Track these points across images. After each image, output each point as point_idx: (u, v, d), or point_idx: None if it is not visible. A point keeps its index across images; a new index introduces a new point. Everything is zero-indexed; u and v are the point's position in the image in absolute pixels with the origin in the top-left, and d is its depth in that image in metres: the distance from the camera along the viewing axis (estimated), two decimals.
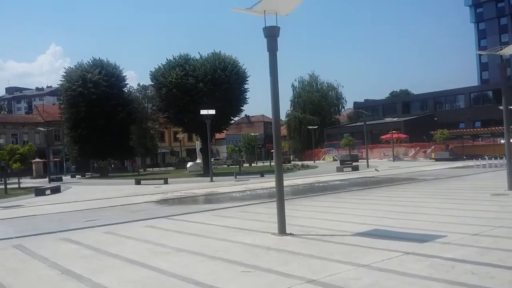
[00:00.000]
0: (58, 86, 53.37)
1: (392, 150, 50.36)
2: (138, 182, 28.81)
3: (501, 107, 15.28)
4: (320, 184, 22.11)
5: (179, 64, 38.86)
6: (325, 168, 38.15)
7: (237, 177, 29.68)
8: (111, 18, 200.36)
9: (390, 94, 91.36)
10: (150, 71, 40.69)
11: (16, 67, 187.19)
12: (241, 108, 41.80)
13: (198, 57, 40.23)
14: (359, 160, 45.96)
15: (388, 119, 55.38)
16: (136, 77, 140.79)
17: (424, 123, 59.63)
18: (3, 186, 26.02)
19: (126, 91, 54.14)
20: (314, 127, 63.97)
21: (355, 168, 32.85)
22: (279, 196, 8.54)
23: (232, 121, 48.72)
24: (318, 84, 78.78)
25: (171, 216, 12.35)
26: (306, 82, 78.75)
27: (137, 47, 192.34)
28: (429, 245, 6.89)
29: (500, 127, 47.09)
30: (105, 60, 49.33)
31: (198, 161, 43.50)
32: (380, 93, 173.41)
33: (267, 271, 5.83)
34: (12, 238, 9.91)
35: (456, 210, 10.44)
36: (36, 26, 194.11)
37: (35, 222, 12.94)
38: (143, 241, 8.61)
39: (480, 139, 52.93)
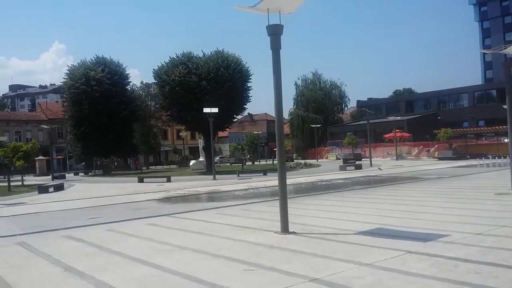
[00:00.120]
0: (62, 83, 53.42)
1: (395, 149, 50.28)
2: (141, 180, 28.84)
3: (505, 106, 15.22)
4: (323, 183, 22.09)
5: (182, 62, 38.86)
6: (328, 167, 38.11)
7: (240, 175, 29.68)
8: (115, 16, 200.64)
9: (393, 92, 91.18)
10: (153, 69, 40.76)
11: (19, 65, 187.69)
12: (244, 106, 41.78)
13: (201, 55, 40.22)
14: (362, 159, 45.91)
15: (391, 118, 55.29)
16: (139, 75, 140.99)
17: (428, 122, 59.50)
18: (6, 184, 26.10)
19: (129, 89, 54.20)
20: (317, 125, 63.92)
21: (358, 167, 32.80)
22: (282, 194, 8.53)
23: (235, 119, 48.69)
24: (321, 82, 78.72)
25: (174, 214, 12.36)
26: (309, 81, 78.70)
27: (140, 45, 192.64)
28: (432, 244, 6.87)
29: (504, 126, 46.96)
30: (108, 58, 49.40)
31: (201, 159, 43.53)
32: (384, 92, 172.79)
33: (270, 270, 5.83)
34: (15, 235, 9.94)
35: (459, 209, 10.41)
36: (40, 24, 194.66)
37: (38, 220, 12.97)
38: (146, 239, 8.62)
39: (483, 138, 52.79)
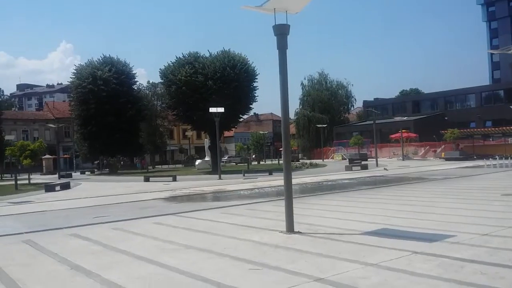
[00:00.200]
0: (69, 83, 53.78)
1: (401, 149, 50.09)
2: (147, 179, 28.93)
3: None
4: (329, 183, 22.05)
5: (189, 62, 38.95)
6: (333, 167, 38.04)
7: (246, 175, 29.70)
8: (122, 16, 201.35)
9: (400, 93, 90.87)
10: (160, 69, 40.89)
11: (27, 64, 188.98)
12: (250, 106, 41.83)
13: (207, 55, 40.32)
14: (368, 159, 45.81)
15: (397, 118, 55.11)
16: (146, 74, 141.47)
17: (434, 122, 59.24)
18: (13, 182, 26.28)
19: (135, 88, 54.42)
20: (323, 125, 63.85)
21: (364, 167, 32.71)
22: (288, 194, 8.52)
23: (241, 119, 48.75)
24: (328, 82, 78.66)
25: (180, 213, 12.38)
26: (315, 81, 78.65)
27: (147, 45, 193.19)
28: (438, 244, 6.84)
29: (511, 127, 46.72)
30: (115, 58, 49.63)
31: (207, 158, 43.61)
32: (390, 92, 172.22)
33: (275, 269, 5.82)
34: (22, 233, 10.00)
35: (465, 210, 10.35)
36: (47, 24, 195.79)
37: (44, 218, 13.04)
38: (152, 237, 8.64)
39: (491, 139, 52.44)
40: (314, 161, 50.44)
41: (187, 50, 41.52)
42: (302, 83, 78.76)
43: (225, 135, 66.21)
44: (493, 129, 51.75)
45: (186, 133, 66.98)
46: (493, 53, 73.66)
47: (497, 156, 30.50)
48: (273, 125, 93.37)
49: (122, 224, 10.72)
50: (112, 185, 26.74)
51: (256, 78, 40.18)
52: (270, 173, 29.42)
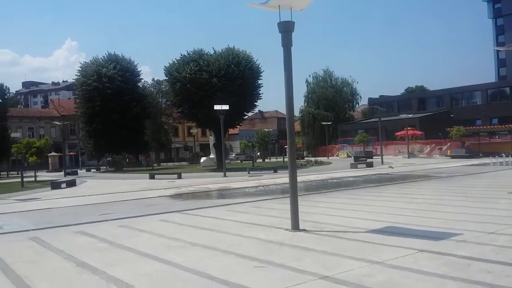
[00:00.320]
0: (74, 80, 53.95)
1: (407, 146, 49.91)
2: (152, 177, 29.01)
3: None
4: (334, 181, 22.02)
5: (193, 59, 38.97)
6: (339, 165, 37.98)
7: (250, 172, 29.71)
8: (126, 13, 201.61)
9: (405, 90, 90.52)
10: (165, 66, 40.94)
11: (32, 62, 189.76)
12: (255, 103, 41.84)
13: (212, 52, 40.32)
14: (374, 157, 45.67)
15: (403, 116, 54.86)
16: (151, 72, 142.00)
17: (440, 119, 58.95)
18: (19, 179, 26.43)
19: (140, 86, 54.47)
20: (328, 123, 63.67)
21: (369, 165, 32.63)
22: (293, 191, 8.51)
23: (246, 117, 48.73)
24: (333, 80, 78.36)
25: (185, 210, 12.41)
26: (320, 78, 78.36)
27: (151, 42, 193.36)
28: (444, 243, 6.81)
29: None
30: (120, 55, 49.66)
31: (212, 156, 43.65)
32: (395, 89, 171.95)
33: (280, 267, 5.83)
34: (28, 230, 10.06)
35: (471, 208, 10.31)
36: (52, 21, 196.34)
37: (50, 215, 13.12)
38: (157, 235, 8.67)
39: (497, 137, 52.15)
40: (319, 158, 50.37)
41: (192, 47, 41.50)
42: (307, 81, 78.62)
43: (229, 133, 66.20)
44: (499, 126, 51.43)
45: (191, 131, 67.15)
46: (499, 50, 73.08)
47: (503, 154, 30.30)
48: (277, 122, 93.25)
49: (128, 221, 10.76)
50: (117, 183, 26.83)
51: (261, 76, 40.17)
52: (275, 171, 29.41)
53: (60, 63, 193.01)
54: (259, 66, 39.80)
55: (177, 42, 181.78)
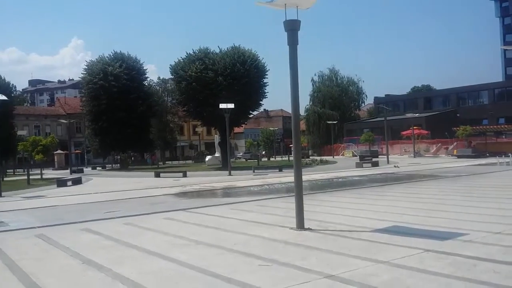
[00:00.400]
0: (80, 79, 54.16)
1: (413, 146, 49.72)
2: (157, 175, 29.07)
3: None
4: (339, 180, 21.96)
5: (199, 58, 39.01)
6: (344, 164, 37.89)
7: (255, 171, 29.71)
8: (132, 12, 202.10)
9: (411, 89, 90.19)
10: (170, 65, 41.00)
11: (39, 60, 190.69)
12: (260, 102, 41.84)
13: (217, 51, 40.33)
14: (379, 156, 45.53)
15: (409, 115, 54.64)
16: (156, 70, 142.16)
17: (446, 119, 58.69)
18: (26, 177, 26.57)
19: (146, 84, 54.64)
20: (334, 122, 63.54)
21: (375, 164, 32.53)
22: (298, 190, 8.50)
23: (251, 115, 48.74)
24: (338, 78, 78.18)
25: (190, 209, 12.42)
26: (326, 77, 78.22)
27: (157, 40, 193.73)
28: (450, 243, 6.78)
29: None
30: (126, 54, 49.82)
31: (217, 154, 43.69)
32: (401, 88, 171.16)
33: (285, 265, 5.82)
34: (34, 227, 10.11)
35: (478, 208, 10.25)
36: (58, 20, 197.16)
37: (56, 212, 13.18)
38: (162, 233, 8.69)
39: (504, 136, 51.81)
40: (324, 157, 50.28)
41: (198, 46, 41.53)
42: (312, 79, 78.49)
43: (235, 131, 66.26)
44: (506, 126, 51.10)
45: (196, 129, 67.23)
46: (507, 50, 72.63)
47: (510, 154, 30.10)
48: (283, 121, 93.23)
49: (133, 219, 10.79)
50: (123, 181, 26.92)
51: (266, 74, 40.20)
52: (280, 170, 29.39)
53: (66, 61, 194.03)
54: (265, 65, 39.83)
55: (183, 41, 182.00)
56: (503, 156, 30.23)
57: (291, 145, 10.97)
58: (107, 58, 48.62)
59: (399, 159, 41.41)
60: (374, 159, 36.70)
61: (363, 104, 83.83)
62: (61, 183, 23.61)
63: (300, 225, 8.29)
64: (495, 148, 43.75)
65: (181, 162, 62.89)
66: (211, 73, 37.42)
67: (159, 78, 68.04)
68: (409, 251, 6.26)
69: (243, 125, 51.21)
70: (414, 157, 46.70)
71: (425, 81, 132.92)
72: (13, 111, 50.09)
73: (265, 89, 40.61)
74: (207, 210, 11.90)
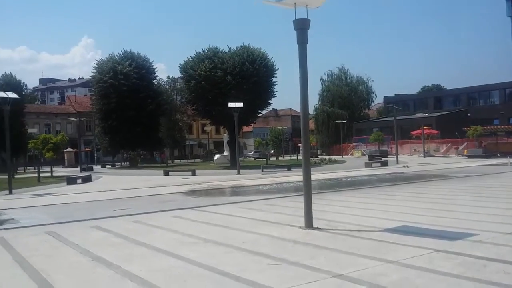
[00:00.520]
0: (90, 77, 54.53)
1: (423, 146, 49.42)
2: (166, 173, 29.20)
3: None
4: (348, 179, 21.90)
5: (208, 57, 39.09)
6: (353, 163, 37.76)
7: (264, 170, 29.71)
8: (142, 11, 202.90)
9: (421, 89, 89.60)
10: (180, 64, 41.18)
11: (49, 59, 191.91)
12: (269, 101, 41.83)
13: (227, 50, 40.40)
14: (389, 156, 45.29)
15: (419, 115, 54.31)
16: (166, 69, 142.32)
17: (457, 119, 58.26)
18: (36, 174, 26.82)
19: (155, 83, 54.88)
20: (343, 121, 63.35)
21: (384, 164, 32.38)
22: (306, 189, 8.48)
23: (260, 114, 48.74)
24: (348, 78, 77.98)
25: (199, 207, 12.46)
26: (335, 76, 78.05)
27: (167, 39, 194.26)
28: (460, 243, 6.73)
29: None
30: (135, 53, 50.13)
31: (226, 153, 43.77)
32: (411, 88, 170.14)
33: (294, 264, 5.81)
34: (45, 224, 10.20)
35: (488, 208, 10.16)
36: (69, 19, 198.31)
37: (66, 210, 13.29)
38: (171, 231, 8.72)
39: None
40: (333, 157, 50.17)
41: (207, 45, 41.63)
42: (321, 79, 78.33)
43: (243, 130, 66.35)
44: None
45: (205, 128, 67.41)
46: None
47: None
48: (291, 120, 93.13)
49: (142, 217, 10.84)
50: (132, 179, 27.08)
51: (275, 73, 40.15)
52: (289, 169, 29.36)
53: (76, 60, 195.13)
54: (274, 64, 39.80)
55: (192, 40, 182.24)
56: None
57: (299, 144, 10.93)
58: (117, 57, 48.92)
59: (408, 159, 41.17)
60: (383, 159, 36.53)
61: (372, 104, 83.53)
62: (71, 180, 23.80)
63: (309, 224, 8.27)
64: (506, 148, 43.36)
65: (189, 160, 63.07)
66: (220, 72, 37.48)
67: (168, 77, 68.37)
68: (419, 251, 6.23)
69: (252, 124, 51.19)
70: (424, 157, 46.41)
71: (435, 80, 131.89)
72: (24, 109, 50.63)
73: (274, 88, 40.66)
74: (216, 209, 11.92)
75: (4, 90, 23.67)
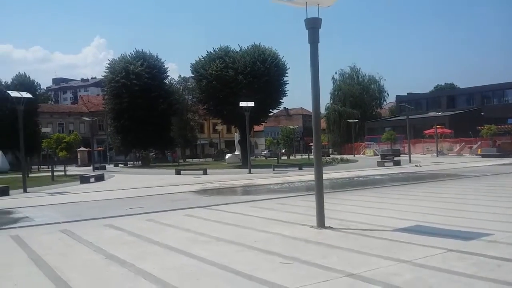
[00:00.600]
0: (102, 77, 54.95)
1: (436, 145, 48.98)
2: (178, 172, 29.33)
3: None
4: (360, 179, 21.79)
5: (219, 57, 39.15)
6: (365, 163, 37.57)
7: (275, 169, 29.69)
8: (154, 11, 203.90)
9: (434, 87, 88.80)
10: (191, 63, 41.29)
11: (62, 59, 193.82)
12: (280, 100, 41.79)
13: (238, 49, 40.41)
14: (401, 155, 44.96)
15: (432, 114, 53.83)
16: (177, 69, 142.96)
17: (470, 118, 57.58)
18: (50, 173, 27.11)
19: (167, 83, 55.11)
20: (354, 120, 63.04)
21: (397, 163, 32.15)
22: (318, 188, 8.46)
23: (271, 114, 48.67)
24: (360, 77, 77.53)
25: (210, 206, 12.50)
26: (346, 75, 77.65)
27: (178, 39, 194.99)
28: (474, 243, 6.67)
29: None
30: (147, 52, 50.34)
31: (237, 152, 43.81)
32: (424, 87, 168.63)
33: (306, 263, 5.81)
34: (59, 223, 10.32)
35: (502, 208, 10.04)
36: (81, 19, 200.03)
37: (80, 208, 13.43)
38: (183, 229, 8.77)
39: None
40: (345, 156, 49.96)
41: (218, 44, 41.67)
42: (333, 78, 78.01)
43: (255, 130, 66.38)
44: None
45: (216, 127, 67.50)
46: None
47: None
48: (303, 119, 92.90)
49: (155, 215, 10.91)
50: (144, 178, 27.25)
51: (287, 73, 40.09)
52: (300, 168, 29.30)
53: (89, 60, 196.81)
54: (285, 63, 39.74)
55: (203, 40, 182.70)
56: None
57: (311, 144, 10.85)
58: (129, 57, 49.21)
59: (421, 158, 40.84)
60: (395, 158, 36.24)
61: (384, 103, 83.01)
62: (84, 179, 24.02)
63: (321, 223, 8.25)
64: None
65: (201, 160, 63.29)
66: (232, 72, 37.52)
67: (180, 76, 68.69)
68: (432, 251, 6.18)
69: (263, 123, 51.18)
70: (437, 156, 45.98)
71: (448, 79, 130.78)
72: (37, 109, 51.29)
73: (285, 87, 40.59)
74: (228, 208, 11.95)
75: (18, 90, 23.98)
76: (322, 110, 69.06)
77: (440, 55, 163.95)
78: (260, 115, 39.60)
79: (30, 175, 29.39)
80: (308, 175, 21.59)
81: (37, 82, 53.81)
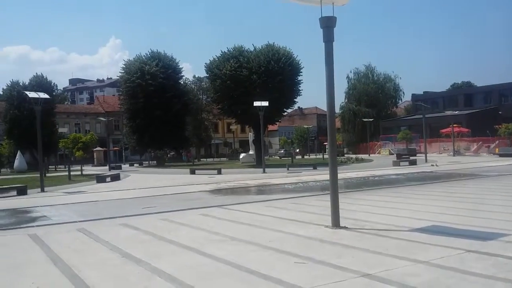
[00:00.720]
0: (118, 77, 55.43)
1: (452, 144, 48.37)
2: (192, 172, 29.44)
3: None
4: (375, 178, 21.63)
5: (234, 56, 39.20)
6: (380, 162, 37.28)
7: (290, 169, 29.63)
8: (168, 11, 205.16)
9: (451, 86, 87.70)
10: (205, 63, 41.39)
11: (78, 60, 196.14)
12: (294, 100, 41.64)
13: (252, 49, 40.41)
14: (417, 155, 44.48)
15: (448, 112, 53.16)
16: (192, 69, 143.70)
17: (488, 116, 56.80)
18: (67, 173, 27.46)
19: (182, 82, 55.36)
20: (369, 119, 62.59)
21: (413, 163, 31.83)
22: (333, 188, 8.41)
23: (285, 113, 48.57)
24: (375, 75, 76.93)
25: (225, 205, 12.53)
26: (361, 74, 77.14)
27: (193, 39, 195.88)
28: (492, 243, 6.56)
29: None
30: (162, 53, 50.62)
31: (251, 152, 43.84)
32: (440, 85, 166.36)
33: (321, 263, 5.78)
34: (76, 222, 10.46)
35: None
36: (97, 20, 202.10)
37: (96, 207, 13.58)
38: (198, 228, 8.80)
39: None
40: (359, 156, 49.63)
41: (232, 44, 41.74)
42: (347, 76, 77.60)
43: (269, 129, 66.34)
44: None
45: (231, 127, 67.63)
46: None
47: None
48: (317, 119, 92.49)
49: (170, 215, 10.98)
50: (159, 177, 27.42)
51: (301, 72, 39.93)
52: (315, 168, 29.19)
53: (104, 60, 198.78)
54: (299, 63, 39.61)
55: (218, 40, 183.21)
56: None
57: (325, 143, 10.79)
58: (144, 57, 49.55)
59: (437, 158, 40.38)
60: (411, 158, 35.86)
61: (400, 101, 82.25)
62: (100, 179, 24.26)
63: (336, 223, 8.21)
64: None
65: (215, 159, 63.45)
66: (246, 71, 37.55)
67: (194, 76, 68.96)
68: (449, 251, 6.10)
69: (277, 122, 51.10)
70: (454, 155, 45.42)
71: (465, 77, 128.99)
72: (54, 109, 51.94)
73: (300, 86, 40.43)
74: (242, 207, 11.96)
75: (35, 91, 24.35)
76: (337, 109, 68.73)
77: (456, 53, 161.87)
78: (274, 115, 39.55)
79: (47, 174, 29.79)
80: (322, 175, 21.51)
81: (54, 83, 54.47)
